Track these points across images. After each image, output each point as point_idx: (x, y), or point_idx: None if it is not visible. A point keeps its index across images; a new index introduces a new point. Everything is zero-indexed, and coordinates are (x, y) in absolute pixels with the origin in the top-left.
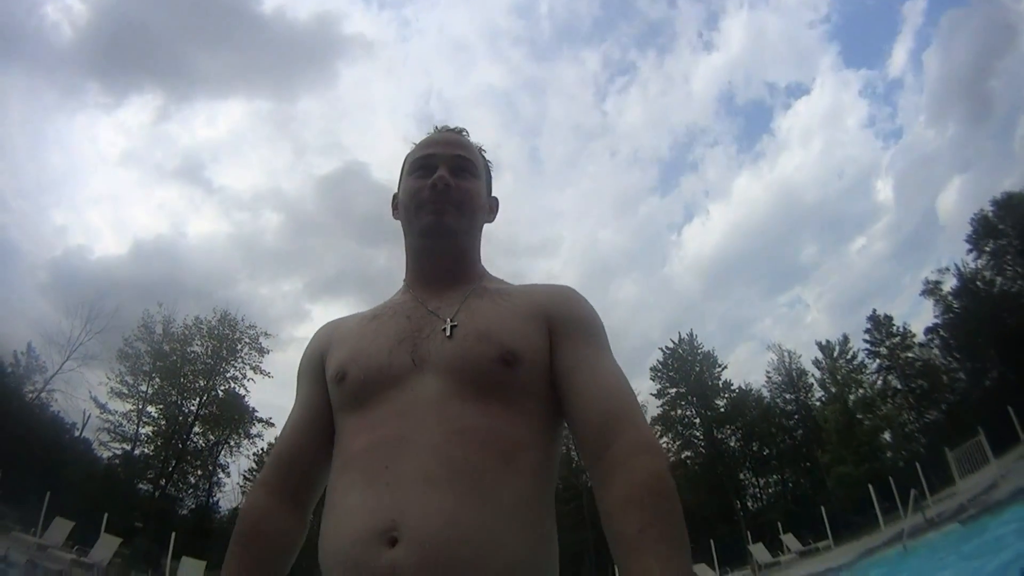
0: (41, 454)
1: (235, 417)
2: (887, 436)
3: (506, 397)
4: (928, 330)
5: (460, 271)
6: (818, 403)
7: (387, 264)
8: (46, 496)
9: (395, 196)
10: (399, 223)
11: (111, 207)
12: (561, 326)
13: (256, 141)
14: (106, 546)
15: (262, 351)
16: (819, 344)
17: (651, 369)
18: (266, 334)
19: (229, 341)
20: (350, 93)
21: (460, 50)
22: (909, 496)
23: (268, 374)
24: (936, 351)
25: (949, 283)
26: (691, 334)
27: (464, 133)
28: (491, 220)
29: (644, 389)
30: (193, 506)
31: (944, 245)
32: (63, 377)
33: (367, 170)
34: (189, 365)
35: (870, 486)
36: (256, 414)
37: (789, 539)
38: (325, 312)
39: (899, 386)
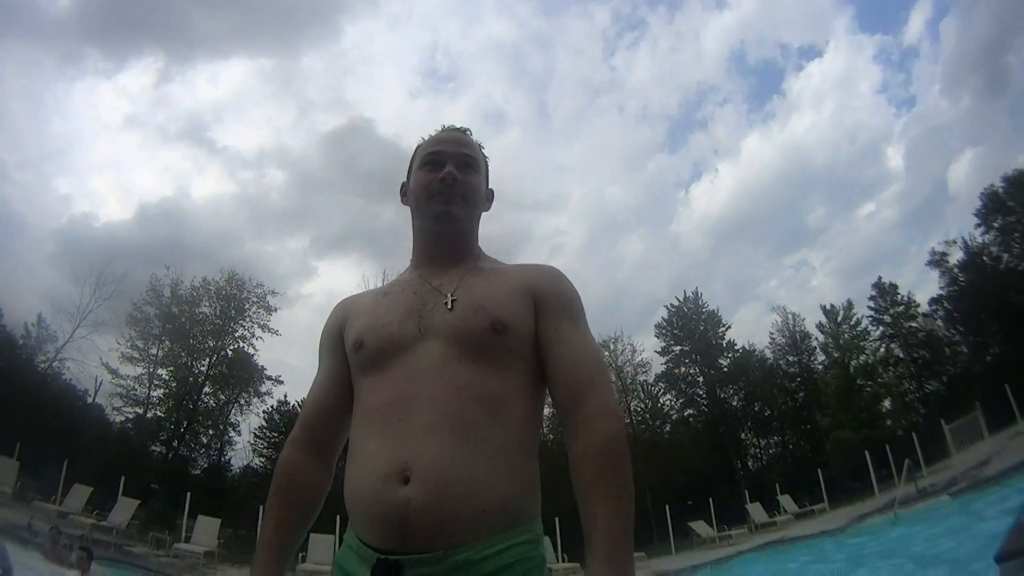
0: (56, 423)
1: (244, 376)
2: (887, 404)
3: (497, 360)
4: (932, 301)
5: (460, 252)
6: (820, 367)
7: (393, 220)
8: (64, 464)
9: (403, 184)
10: (405, 203)
11: (115, 173)
12: (544, 301)
13: (259, 99)
14: (124, 509)
15: (270, 309)
16: (823, 308)
17: (656, 326)
18: (273, 292)
19: (237, 301)
20: (354, 49)
21: (466, 3)
22: (903, 466)
23: (276, 332)
24: (940, 322)
25: (956, 256)
26: (696, 292)
27: (468, 132)
28: (488, 209)
29: (649, 346)
30: (205, 465)
31: (953, 217)
32: (74, 345)
33: (372, 126)
34: (198, 326)
35: (866, 453)
36: (265, 372)
37: (786, 500)
38: (331, 268)
39: (901, 355)
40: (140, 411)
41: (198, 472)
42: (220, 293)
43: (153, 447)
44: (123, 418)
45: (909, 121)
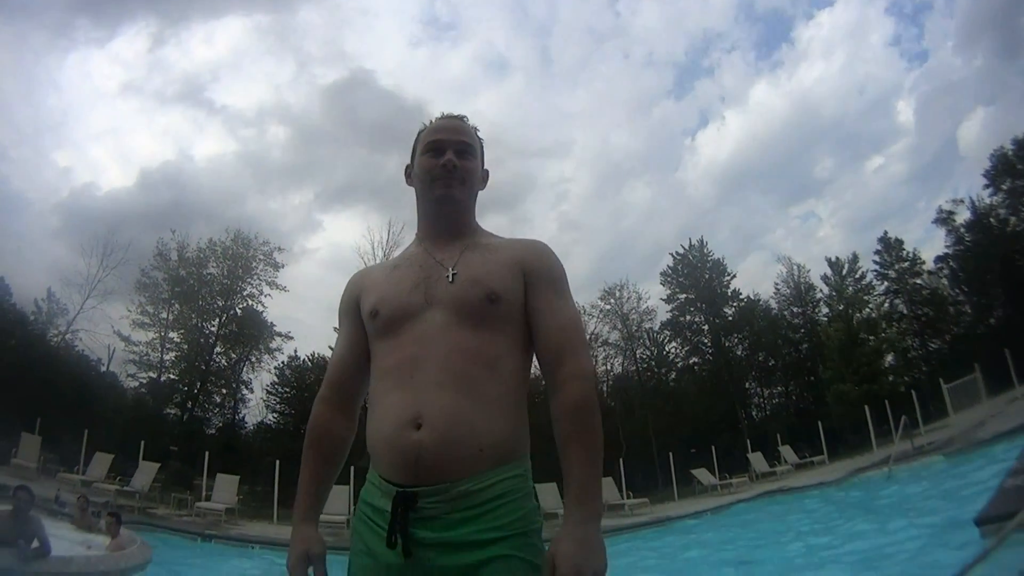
0: (72, 395)
1: (254, 334)
2: (891, 359)
3: (491, 325)
4: (938, 259)
5: (460, 229)
6: (824, 319)
7: (396, 171)
8: (84, 434)
9: (408, 167)
10: (409, 175)
11: (114, 141)
12: (533, 274)
13: (257, 56)
14: (145, 472)
15: (277, 266)
16: (828, 260)
17: (661, 274)
18: (280, 249)
19: (244, 260)
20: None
21: None
22: (901, 423)
23: (284, 288)
24: (945, 281)
25: (963, 215)
26: (701, 241)
27: (465, 119)
28: (483, 188)
29: (654, 293)
30: (220, 424)
31: (962, 175)
32: (85, 316)
33: (373, 78)
34: (206, 287)
35: (866, 407)
36: (275, 329)
37: (786, 451)
38: (336, 221)
39: (905, 311)
40: (154, 375)
41: (212, 432)
42: (227, 253)
43: (168, 410)
44: (136, 383)
45: (920, 76)
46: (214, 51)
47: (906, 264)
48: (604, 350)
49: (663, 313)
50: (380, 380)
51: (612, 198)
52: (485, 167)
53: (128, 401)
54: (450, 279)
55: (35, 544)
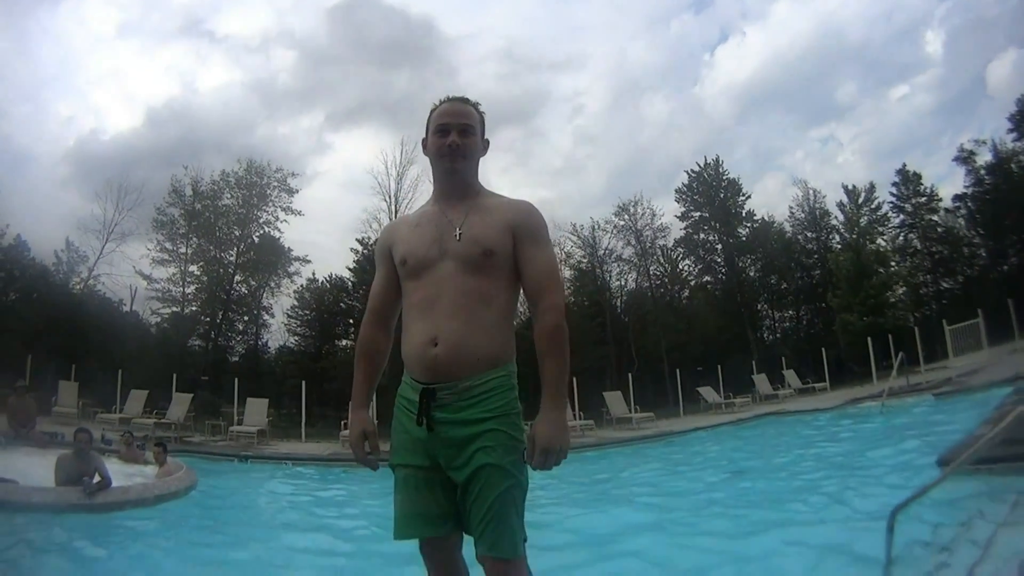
0: (100, 338)
1: (273, 260)
2: (902, 294)
3: (488, 272)
4: (956, 198)
5: (465, 191)
6: (837, 247)
7: (407, 88)
8: (118, 374)
9: (424, 140)
10: (424, 144)
11: (116, 83)
12: (519, 232)
13: None
14: (180, 404)
15: (291, 192)
16: (845, 188)
17: (676, 191)
18: (293, 174)
19: (258, 188)
20: None
21: None
22: (898, 359)
23: (299, 212)
24: (961, 221)
25: (984, 157)
26: (717, 160)
27: (467, 101)
28: (484, 154)
29: (669, 211)
30: (243, 351)
31: (988, 115)
32: (105, 260)
33: None
34: (222, 218)
35: (869, 340)
36: (292, 253)
37: (790, 375)
38: (348, 142)
39: (919, 246)
40: (177, 309)
41: (236, 359)
42: (240, 183)
43: (193, 342)
44: (159, 319)
45: (953, 7)
46: None
47: (923, 199)
48: (618, 266)
49: (677, 231)
50: (409, 311)
51: (628, 113)
52: (485, 137)
53: (152, 338)
54: (458, 238)
55: (97, 479)
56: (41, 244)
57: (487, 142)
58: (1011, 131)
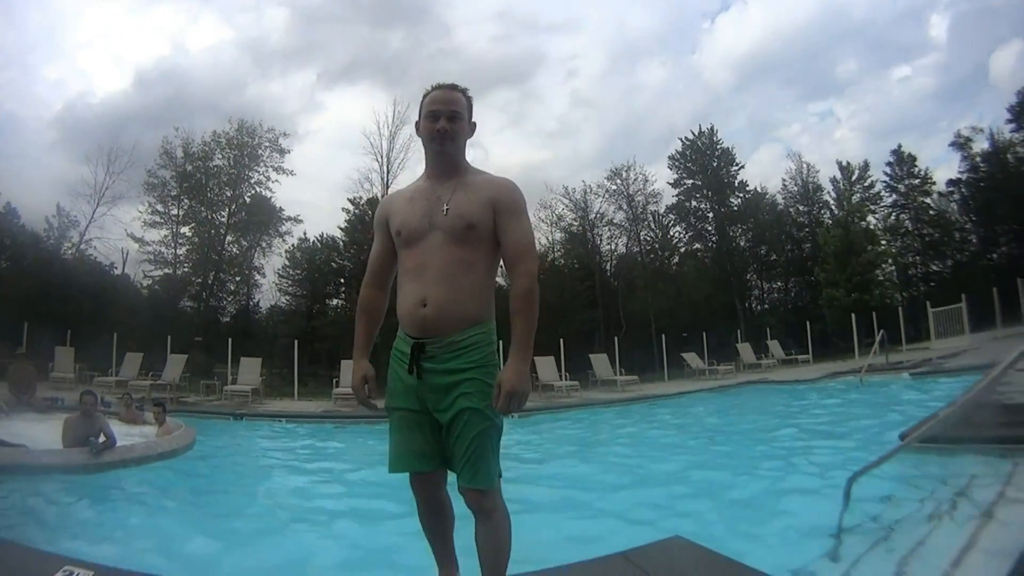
0: (93, 303)
1: (264, 219)
2: (892, 272)
3: (471, 243)
4: (950, 183)
5: (452, 170)
6: (828, 222)
7: (399, 47)
8: (114, 337)
9: (417, 123)
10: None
11: (104, 45)
12: (499, 208)
13: None
14: (174, 365)
15: (283, 152)
16: (839, 164)
17: (669, 158)
18: (285, 134)
19: (249, 148)
20: None
21: None
22: (878, 336)
23: (291, 172)
24: (954, 206)
25: (981, 144)
26: (712, 128)
27: (455, 88)
28: (471, 136)
29: (662, 177)
30: (234, 312)
31: (988, 104)
32: (97, 224)
33: None
34: (213, 179)
35: (853, 315)
36: (283, 213)
37: (774, 346)
38: (340, 101)
39: (910, 227)
40: (169, 271)
41: (227, 320)
42: (232, 143)
43: (184, 303)
44: (150, 281)
45: None
46: None
47: (916, 181)
48: (609, 230)
49: (669, 197)
50: (403, 276)
51: (625, 77)
52: (472, 120)
53: (144, 300)
54: (445, 213)
55: (102, 439)
56: (32, 210)
57: (474, 125)
58: (1010, 122)
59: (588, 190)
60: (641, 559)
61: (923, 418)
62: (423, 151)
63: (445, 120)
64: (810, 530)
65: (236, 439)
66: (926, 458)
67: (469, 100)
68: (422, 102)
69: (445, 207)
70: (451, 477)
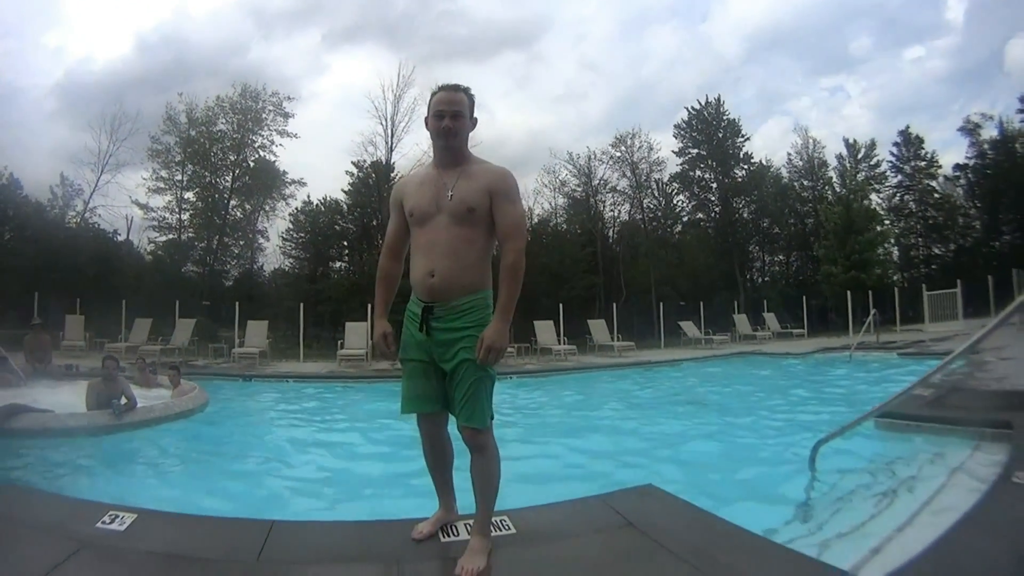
0: (99, 270)
1: (268, 183)
2: (894, 252)
3: (471, 224)
4: (957, 167)
5: (457, 161)
6: (831, 198)
7: (406, 7)
8: (122, 304)
9: (426, 119)
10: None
11: (103, 10)
12: (496, 194)
13: None
14: (183, 329)
15: (286, 115)
16: (846, 141)
17: (675, 127)
18: (288, 98)
19: (253, 112)
20: None
21: None
22: (871, 315)
23: (295, 135)
24: (960, 191)
25: (990, 132)
26: (718, 99)
27: (459, 88)
28: (473, 130)
29: (667, 145)
30: (238, 275)
31: (1001, 92)
32: (101, 192)
33: None
34: (217, 144)
35: (848, 293)
36: (287, 176)
37: (770, 318)
38: (345, 62)
39: (913, 209)
40: (173, 236)
41: (231, 283)
42: (235, 107)
43: (189, 268)
44: (153, 246)
45: None
46: None
47: (923, 163)
48: (612, 196)
49: (673, 166)
50: (415, 250)
51: (634, 44)
52: (474, 116)
53: (149, 266)
54: (450, 198)
55: (123, 401)
56: (36, 179)
57: (475, 120)
58: (1021, 111)
59: (592, 156)
60: (616, 502)
61: (894, 393)
62: (431, 142)
63: (449, 119)
64: (778, 496)
65: (247, 399)
66: (901, 436)
67: (471, 98)
68: (430, 101)
69: (450, 193)
70: (452, 426)
